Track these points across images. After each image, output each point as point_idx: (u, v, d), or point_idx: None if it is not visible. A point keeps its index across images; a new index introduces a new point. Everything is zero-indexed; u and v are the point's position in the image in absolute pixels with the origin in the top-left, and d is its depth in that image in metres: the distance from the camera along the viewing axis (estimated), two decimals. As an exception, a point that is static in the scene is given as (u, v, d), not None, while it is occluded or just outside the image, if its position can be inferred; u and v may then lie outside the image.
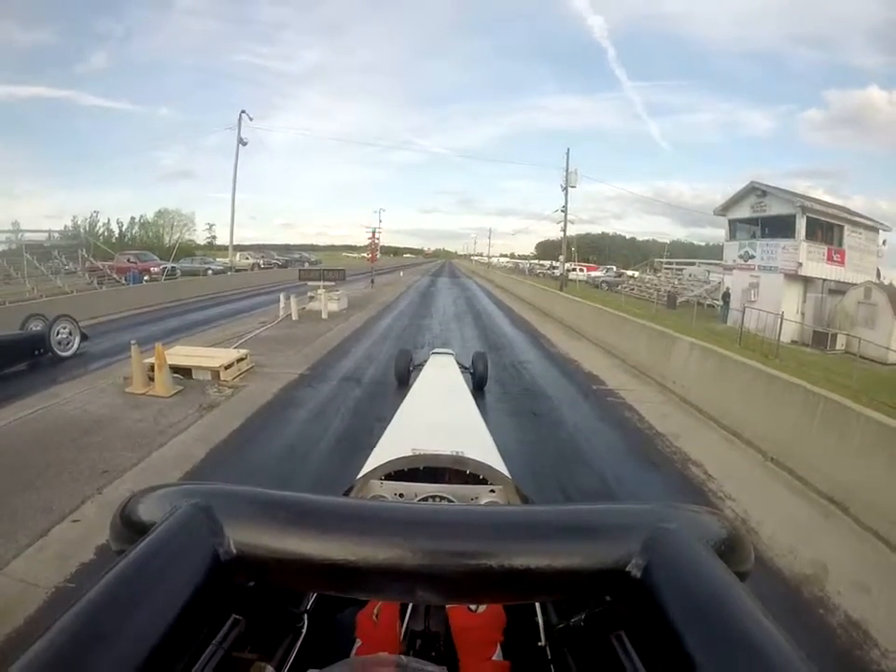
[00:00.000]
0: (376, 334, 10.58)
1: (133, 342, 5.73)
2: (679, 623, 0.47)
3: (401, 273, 35.50)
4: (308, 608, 0.98)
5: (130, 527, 0.58)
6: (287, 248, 62.06)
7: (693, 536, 0.56)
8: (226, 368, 6.29)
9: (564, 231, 28.46)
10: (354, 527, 0.56)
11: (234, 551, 0.53)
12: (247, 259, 33.74)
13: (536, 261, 64.33)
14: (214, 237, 56.47)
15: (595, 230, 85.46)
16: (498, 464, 1.72)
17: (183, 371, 6.19)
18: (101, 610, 0.43)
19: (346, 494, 1.43)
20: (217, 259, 30.77)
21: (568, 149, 26.68)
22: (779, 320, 12.80)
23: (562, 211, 27.85)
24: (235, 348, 7.58)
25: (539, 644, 1.00)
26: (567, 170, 26.71)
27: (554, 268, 42.18)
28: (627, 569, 0.54)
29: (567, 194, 27.17)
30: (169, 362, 5.80)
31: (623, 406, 6.33)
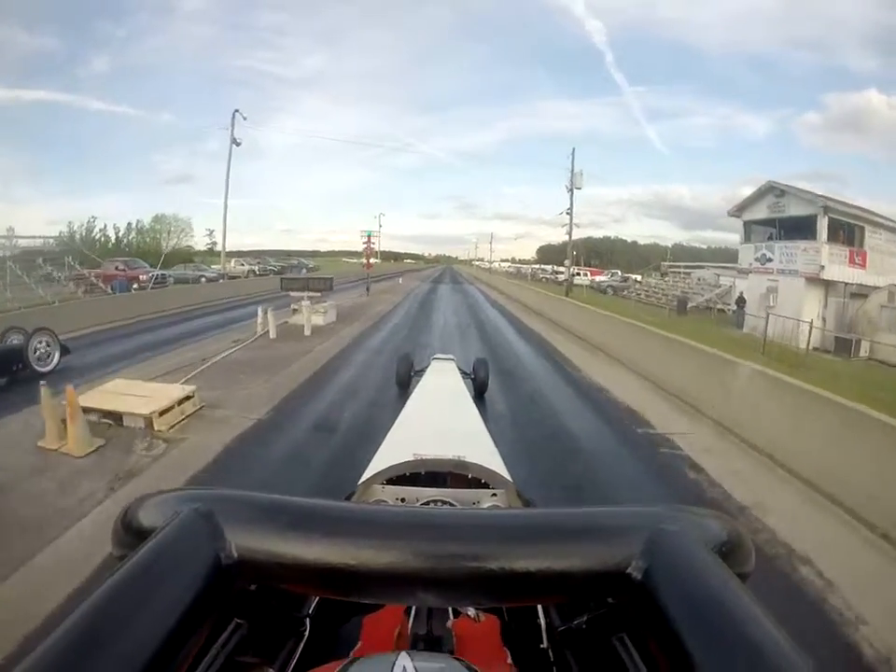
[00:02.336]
0: (364, 355, 9.21)
1: (42, 383, 4.63)
2: (680, 625, 0.45)
3: (400, 280, 34.66)
4: (310, 612, 0.99)
5: (131, 533, 0.57)
6: (287, 254, 61.59)
7: (693, 537, 0.54)
8: (161, 414, 5.06)
9: (569, 233, 27.56)
10: (355, 531, 0.54)
11: (236, 555, 0.52)
12: (242, 265, 33.18)
13: (538, 266, 63.72)
14: (214, 243, 55.61)
15: (596, 233, 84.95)
16: (500, 468, 1.72)
17: (115, 416, 5.02)
18: (102, 616, 0.42)
19: (348, 498, 1.41)
20: (213, 266, 30.08)
21: (574, 149, 25.89)
22: (807, 327, 11.92)
23: (566, 213, 27.06)
24: (183, 383, 6.26)
25: (542, 646, 1.01)
26: (572, 171, 25.90)
27: (557, 273, 41.51)
28: (628, 571, 0.51)
29: (572, 195, 26.39)
30: (98, 405, 4.79)
31: (681, 460, 4.84)
